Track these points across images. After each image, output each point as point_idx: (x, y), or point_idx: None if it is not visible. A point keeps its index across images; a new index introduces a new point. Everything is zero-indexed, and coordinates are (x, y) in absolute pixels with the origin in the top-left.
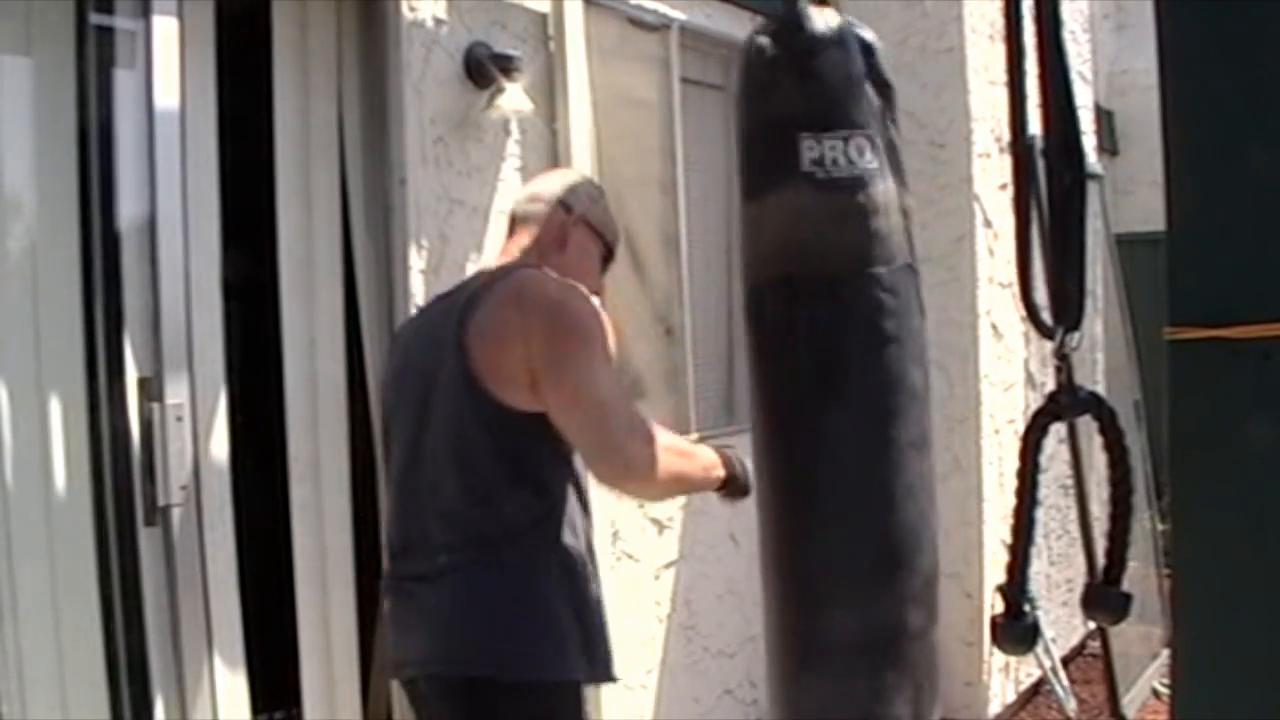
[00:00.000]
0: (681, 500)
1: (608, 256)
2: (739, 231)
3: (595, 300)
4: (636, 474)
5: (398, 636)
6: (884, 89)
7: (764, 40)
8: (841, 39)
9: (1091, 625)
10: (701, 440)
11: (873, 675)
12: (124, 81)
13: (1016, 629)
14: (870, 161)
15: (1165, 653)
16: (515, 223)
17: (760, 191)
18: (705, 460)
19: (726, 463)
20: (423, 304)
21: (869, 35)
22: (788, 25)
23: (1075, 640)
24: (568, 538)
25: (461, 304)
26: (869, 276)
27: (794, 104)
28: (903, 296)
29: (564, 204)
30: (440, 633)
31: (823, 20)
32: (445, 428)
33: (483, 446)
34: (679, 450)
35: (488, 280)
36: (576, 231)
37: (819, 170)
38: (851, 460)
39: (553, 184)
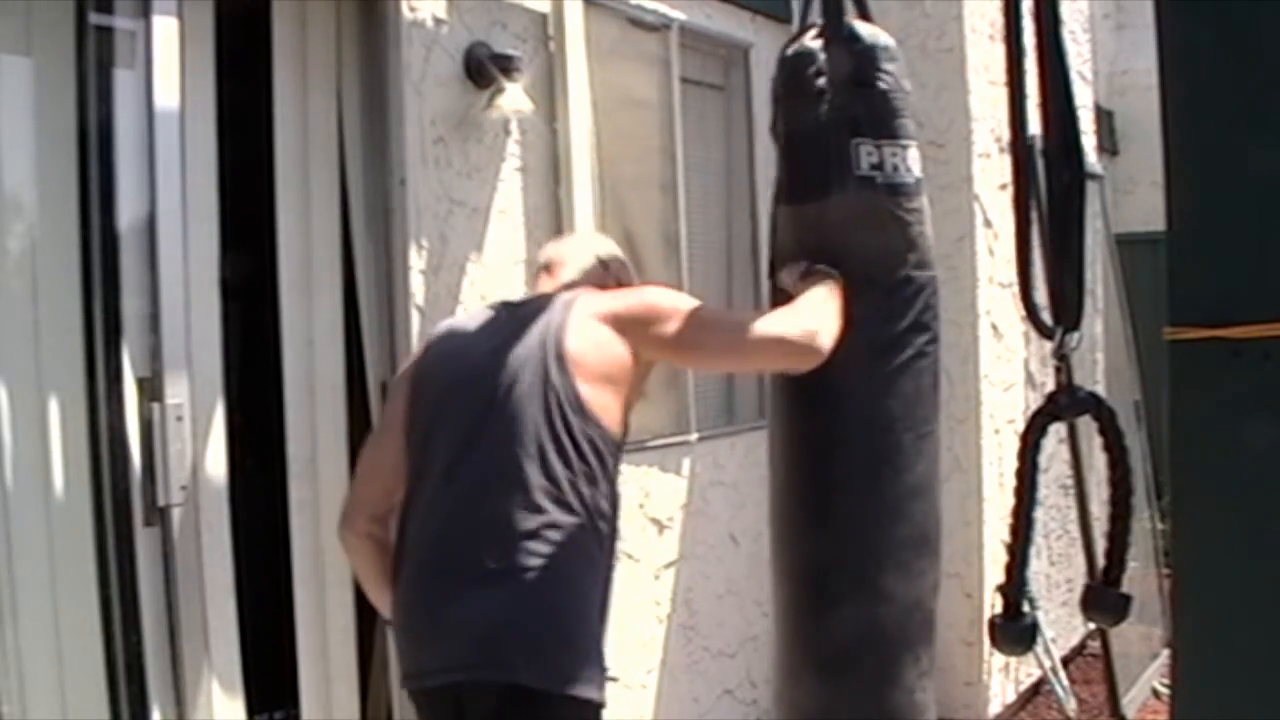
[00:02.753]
0: (682, 500)
1: None
2: (781, 229)
3: None
4: (824, 345)
5: (427, 643)
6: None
7: (813, 46)
8: (891, 49)
9: (1092, 625)
10: (702, 439)
11: (916, 661)
12: (124, 81)
13: (1015, 629)
14: (921, 170)
15: (1165, 653)
16: (553, 266)
17: (812, 194)
18: (829, 291)
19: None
20: (467, 313)
21: (893, 44)
22: (837, 31)
23: (1075, 640)
24: (610, 555)
25: (554, 324)
26: (920, 279)
27: (851, 110)
28: (937, 300)
29: (603, 262)
30: (492, 639)
31: (869, 29)
32: (514, 441)
33: (563, 462)
34: (819, 303)
35: (567, 300)
36: (609, 284)
37: (879, 175)
38: (901, 447)
39: (592, 243)
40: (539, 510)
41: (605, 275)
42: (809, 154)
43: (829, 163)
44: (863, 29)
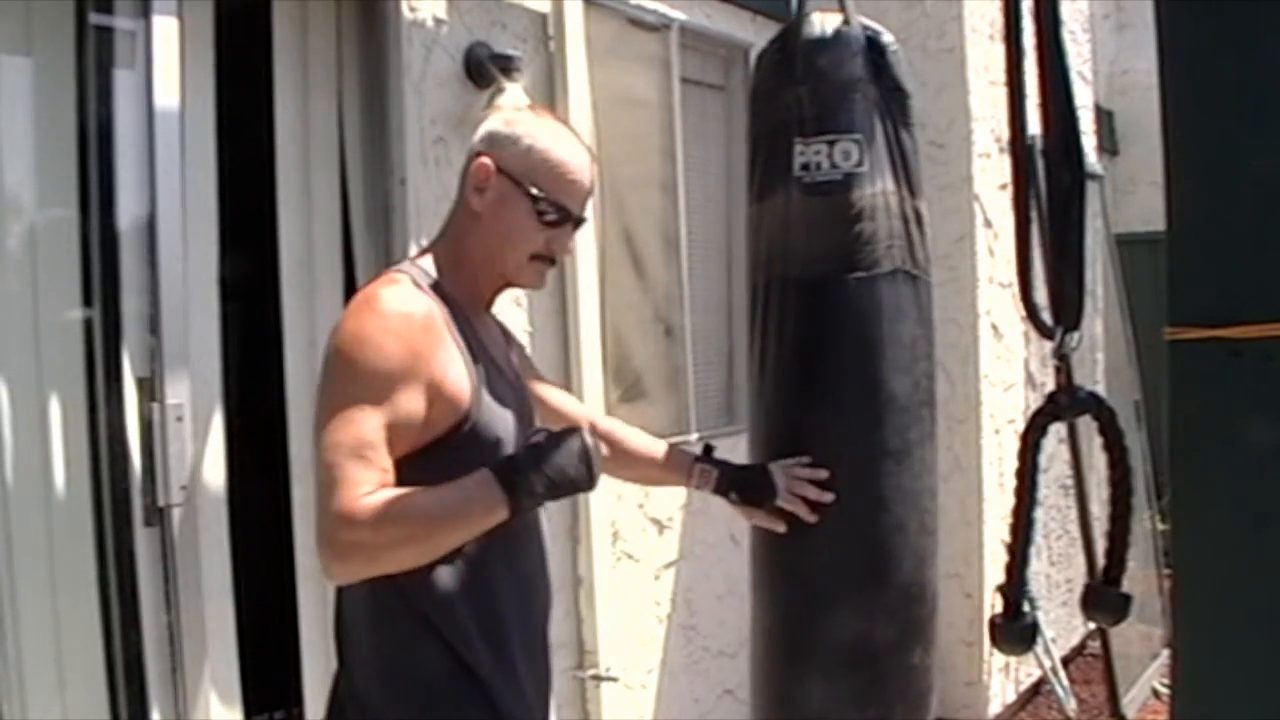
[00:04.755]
0: (682, 500)
1: (556, 211)
2: (745, 233)
3: (421, 309)
4: (334, 564)
5: None
6: (893, 92)
7: (773, 48)
8: (838, 41)
9: (1092, 625)
10: (702, 439)
11: (829, 685)
12: (124, 81)
13: (1015, 629)
14: (858, 165)
15: (1165, 653)
16: None
17: (760, 195)
18: (452, 515)
19: (508, 488)
20: None
21: (884, 39)
22: (792, 33)
23: (1075, 640)
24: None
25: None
26: (848, 281)
27: (791, 109)
28: (888, 303)
29: (475, 154)
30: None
31: (821, 24)
32: None
33: None
34: (402, 518)
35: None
36: (491, 185)
37: (805, 175)
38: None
39: (481, 129)
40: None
41: (474, 173)
42: (754, 155)
43: (767, 164)
44: (812, 20)
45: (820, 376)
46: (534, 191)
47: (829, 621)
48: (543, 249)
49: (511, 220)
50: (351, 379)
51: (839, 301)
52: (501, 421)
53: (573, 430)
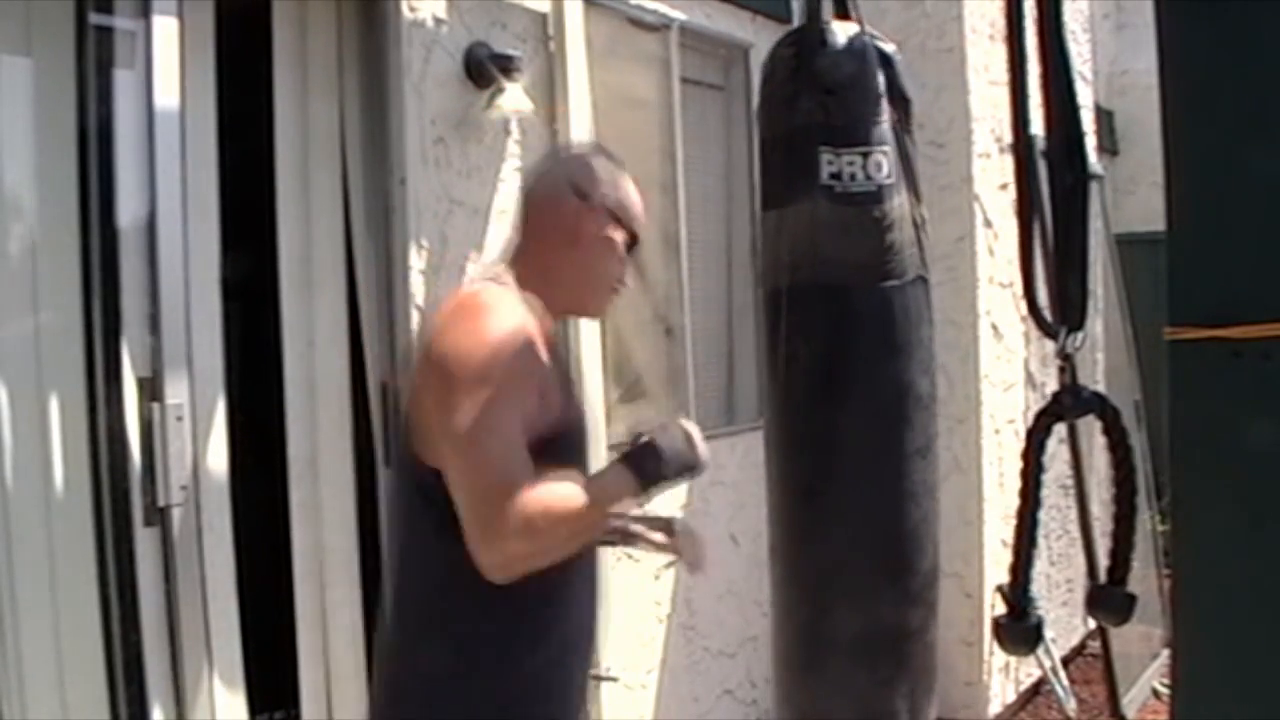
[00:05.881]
0: (682, 500)
1: (633, 240)
2: (758, 238)
3: (521, 318)
4: (501, 567)
5: None
6: (901, 102)
7: (787, 52)
8: (863, 54)
9: (1091, 625)
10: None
11: (872, 670)
12: (124, 81)
13: (1019, 629)
14: (887, 177)
15: (1165, 653)
16: (525, 209)
17: (780, 201)
18: (597, 505)
19: (637, 473)
20: None
21: (889, 48)
22: (810, 39)
23: (1075, 640)
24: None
25: (419, 343)
26: (880, 289)
27: (815, 117)
28: (913, 308)
29: (578, 191)
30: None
31: (845, 35)
32: (397, 501)
33: (415, 522)
34: (562, 517)
35: (438, 310)
36: (594, 223)
37: (837, 184)
38: (858, 465)
39: (566, 164)
40: (402, 586)
41: (580, 210)
42: (773, 161)
43: (789, 171)
44: (834, 30)
45: (853, 378)
46: (629, 227)
47: (869, 612)
48: (617, 280)
49: (610, 256)
50: (486, 385)
51: (871, 307)
52: (580, 429)
53: (674, 421)
